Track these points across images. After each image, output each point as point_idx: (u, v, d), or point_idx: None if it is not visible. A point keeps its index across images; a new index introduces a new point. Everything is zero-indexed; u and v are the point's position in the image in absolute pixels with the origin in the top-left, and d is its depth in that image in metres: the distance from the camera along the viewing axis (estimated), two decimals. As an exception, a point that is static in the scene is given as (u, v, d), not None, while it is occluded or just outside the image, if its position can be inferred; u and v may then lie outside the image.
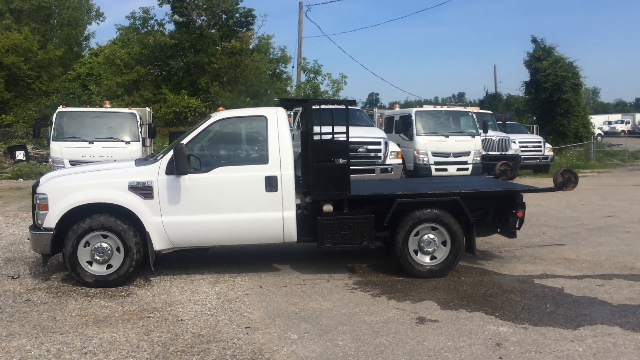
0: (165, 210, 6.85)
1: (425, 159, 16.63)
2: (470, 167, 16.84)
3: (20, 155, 22.61)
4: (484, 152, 17.76)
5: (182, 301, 6.29)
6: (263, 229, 6.97)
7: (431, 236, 7.09)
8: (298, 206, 7.14)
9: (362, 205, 7.23)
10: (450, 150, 16.71)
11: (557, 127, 36.22)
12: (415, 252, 7.12)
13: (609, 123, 72.10)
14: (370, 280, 7.06)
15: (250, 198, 6.90)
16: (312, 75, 32.62)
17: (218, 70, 31.00)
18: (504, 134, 21.02)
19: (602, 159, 34.04)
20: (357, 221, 6.99)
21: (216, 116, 7.18)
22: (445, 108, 17.87)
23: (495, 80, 50.35)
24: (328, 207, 7.05)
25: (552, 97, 37.44)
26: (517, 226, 7.25)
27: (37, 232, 6.86)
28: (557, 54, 37.95)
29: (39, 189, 6.96)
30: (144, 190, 6.83)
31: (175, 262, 7.75)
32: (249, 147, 7.55)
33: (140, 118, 15.82)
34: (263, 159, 7.00)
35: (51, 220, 6.77)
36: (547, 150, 24.57)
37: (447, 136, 16.85)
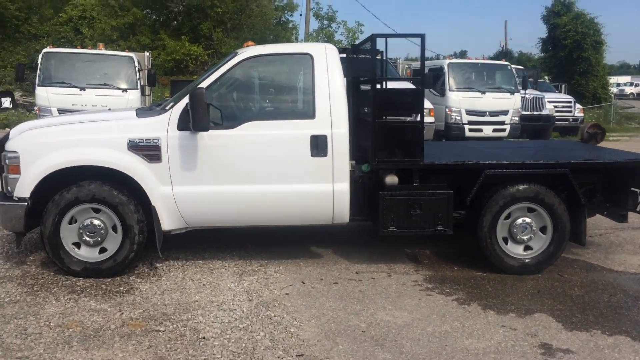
0: (177, 178, 5.10)
1: (459, 117, 14.80)
2: (507, 128, 15.06)
3: (6, 102, 20.49)
4: (519, 112, 15.97)
5: (201, 303, 4.62)
6: (306, 206, 5.24)
7: (527, 220, 5.38)
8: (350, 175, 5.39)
9: (434, 178, 5.49)
10: (487, 109, 14.87)
11: (575, 87, 34.40)
12: (505, 240, 5.43)
13: (617, 85, 70.05)
14: (445, 276, 5.38)
15: (289, 164, 5.15)
16: (325, 22, 30.29)
17: (222, 16, 28.64)
18: (538, 92, 19.14)
19: (620, 122, 32.38)
20: (431, 198, 5.26)
21: (244, 53, 5.33)
22: (481, 60, 15.93)
23: (505, 37, 47.83)
24: (392, 179, 5.31)
25: (571, 55, 35.63)
26: (637, 208, 5.54)
27: (6, 203, 5.11)
28: (577, 9, 35.96)
29: (8, 145, 5.17)
30: (148, 151, 5.06)
31: (187, 241, 6.04)
32: (288, 96, 5.73)
33: (138, 63, 13.89)
34: (308, 113, 5.22)
35: (25, 187, 5.01)
36: (578, 111, 22.75)
37: (483, 92, 14.97)
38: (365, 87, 5.65)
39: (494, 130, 14.91)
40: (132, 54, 14.18)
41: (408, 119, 5.57)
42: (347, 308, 4.60)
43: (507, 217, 5.40)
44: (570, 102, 22.49)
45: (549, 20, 37.29)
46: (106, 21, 28.99)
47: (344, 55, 5.96)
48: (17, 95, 22.71)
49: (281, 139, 5.14)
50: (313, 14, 29.99)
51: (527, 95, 18.23)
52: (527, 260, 5.42)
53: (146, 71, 14.60)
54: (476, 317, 4.46)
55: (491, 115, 14.90)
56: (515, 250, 5.44)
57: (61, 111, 12.10)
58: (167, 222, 5.16)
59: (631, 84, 69.54)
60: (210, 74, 5.31)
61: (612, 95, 40.13)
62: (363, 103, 5.81)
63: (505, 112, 15.02)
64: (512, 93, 15.22)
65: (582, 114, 23.19)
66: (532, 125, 17.87)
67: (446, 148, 6.38)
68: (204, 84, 5.12)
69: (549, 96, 21.58)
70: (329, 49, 5.38)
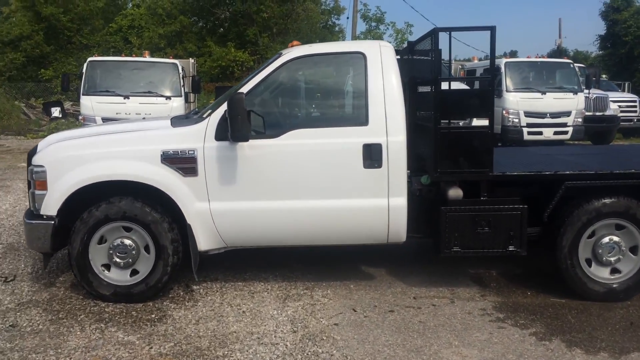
0: (214, 193, 4.59)
1: (516, 119, 13.89)
2: (570, 130, 14.05)
3: (56, 112, 20.90)
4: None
5: (239, 335, 4.09)
6: (358, 223, 4.65)
7: (615, 239, 4.63)
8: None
9: (503, 190, 4.81)
10: (547, 110, 13.90)
11: (637, 86, 32.66)
12: (588, 262, 4.69)
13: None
14: (518, 304, 4.68)
15: (339, 177, 4.57)
16: (373, 24, 29.65)
17: (267, 21, 28.42)
18: (602, 92, 17.95)
19: (686, 123, 30.43)
20: (502, 214, 4.58)
21: (290, 54, 4.79)
22: (540, 59, 14.98)
23: (560, 35, 45.89)
24: (457, 192, 4.65)
25: (632, 52, 34.06)
26: None
27: (32, 222, 4.72)
28: (638, 3, 34.31)
29: (35, 159, 4.79)
30: (184, 163, 4.58)
31: (226, 259, 5.52)
32: (338, 101, 5.15)
33: (182, 70, 13.65)
34: (360, 119, 4.62)
35: (51, 204, 4.61)
36: (643, 110, 21.32)
37: (543, 92, 14.01)
38: (424, 89, 5.02)
39: (555, 133, 13.94)
40: (176, 61, 13.96)
41: (473, 122, 4.92)
42: (407, 344, 3.97)
43: (590, 236, 4.66)
44: (635, 101, 21.08)
45: (608, 17, 35.93)
46: (154, 29, 29.21)
47: (399, 57, 5.35)
48: (67, 105, 23.07)
49: (330, 148, 4.57)
50: (360, 16, 29.45)
51: (589, 95, 17.11)
52: (614, 285, 4.66)
53: (190, 78, 14.35)
54: (561, 358, 3.76)
55: (552, 117, 13.93)
56: (601, 273, 4.69)
57: (105, 120, 11.94)
58: (204, 241, 4.67)
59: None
60: (251, 77, 4.79)
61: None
62: (421, 107, 5.18)
63: (568, 114, 14.01)
64: (575, 93, 14.20)
65: (647, 114, 21.76)
66: (595, 127, 16.74)
67: (509, 155, 5.65)
68: (244, 89, 4.61)
69: (612, 95, 20.29)
70: (384, 47, 4.78)
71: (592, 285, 4.65)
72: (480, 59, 19.09)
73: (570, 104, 14.05)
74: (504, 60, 14.62)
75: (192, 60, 16.89)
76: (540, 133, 13.90)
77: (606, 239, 4.63)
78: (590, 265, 4.69)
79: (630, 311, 4.51)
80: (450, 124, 4.59)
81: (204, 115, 4.75)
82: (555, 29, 78.46)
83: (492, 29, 4.43)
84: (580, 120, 14.22)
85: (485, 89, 4.43)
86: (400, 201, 4.58)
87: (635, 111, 20.92)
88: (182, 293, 4.93)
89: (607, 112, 17.49)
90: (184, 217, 4.58)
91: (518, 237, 4.60)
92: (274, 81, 4.83)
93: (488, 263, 5.57)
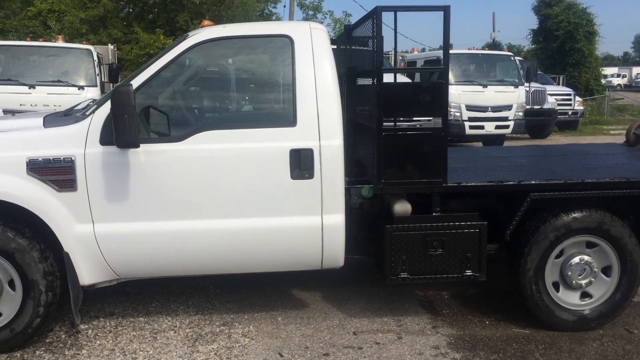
0: (100, 213, 3.58)
1: (458, 113, 13.33)
2: (511, 124, 13.65)
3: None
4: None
5: (131, 400, 3.14)
6: (285, 248, 3.76)
7: (586, 258, 3.95)
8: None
9: (458, 204, 4.05)
10: (489, 104, 13.43)
11: (568, 79, 33.41)
12: (556, 286, 4.00)
13: (605, 77, 69.26)
14: (476, 337, 3.93)
15: (260, 191, 3.65)
16: (310, 12, 28.72)
17: (199, 7, 26.88)
18: (540, 85, 17.80)
19: (613, 114, 31.32)
20: (458, 233, 3.81)
21: (198, 36, 3.80)
22: (481, 51, 14.51)
23: (494, 29, 46.62)
24: (404, 207, 3.84)
25: (563, 47, 34.82)
26: None
27: None
28: (569, -1, 35.15)
29: None
30: (58, 174, 3.54)
31: (129, 283, 4.50)
32: (259, 96, 4.22)
33: (99, 57, 12.30)
34: (286, 118, 3.73)
35: None
36: (577, 104, 21.47)
37: (484, 86, 13.53)
38: (364, 81, 4.17)
39: (497, 127, 13.50)
40: (90, 47, 12.57)
41: (418, 124, 4.13)
42: (345, 404, 3.13)
43: (558, 255, 3.97)
44: (570, 94, 21.20)
45: (540, 11, 36.57)
46: (75, 13, 27.16)
47: (334, 46, 4.49)
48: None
49: (248, 155, 3.64)
50: (297, 4, 28.44)
51: (528, 88, 16.89)
52: (585, 312, 4.00)
53: (108, 65, 13.00)
54: (537, 420, 3.02)
55: (493, 111, 13.47)
56: (570, 299, 4.01)
57: (7, 112, 10.51)
58: (88, 273, 3.65)
59: (618, 75, 68.93)
60: (149, 65, 3.78)
61: (607, 87, 39.30)
62: (360, 102, 4.34)
63: (509, 107, 13.60)
64: (516, 86, 13.81)
65: (582, 107, 21.99)
66: (534, 121, 16.55)
67: (458, 157, 4.88)
68: (137, 80, 3.61)
69: (548, 89, 20.30)
70: (315, 30, 3.88)
71: (560, 313, 3.96)
72: (421, 51, 18.57)
73: (512, 97, 13.66)
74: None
75: (112, 47, 15.50)
76: (482, 127, 13.43)
77: (576, 259, 3.95)
78: (557, 290, 4.00)
79: (605, 344, 3.85)
80: (396, 124, 3.75)
81: (87, 113, 3.72)
82: (488, 24, 79.94)
83: (445, 9, 3.61)
84: (521, 114, 13.87)
85: (437, 83, 3.62)
86: (336, 219, 3.73)
87: (570, 104, 21.05)
88: (63, 336, 3.90)
89: (545, 106, 17.34)
90: (60, 243, 3.55)
91: (476, 259, 3.85)
92: (177, 70, 3.88)
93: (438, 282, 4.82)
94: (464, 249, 3.82)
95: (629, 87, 58.36)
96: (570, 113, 20.88)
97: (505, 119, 13.58)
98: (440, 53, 14.07)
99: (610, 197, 3.91)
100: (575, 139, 17.82)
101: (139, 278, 3.88)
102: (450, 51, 14.21)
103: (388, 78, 3.77)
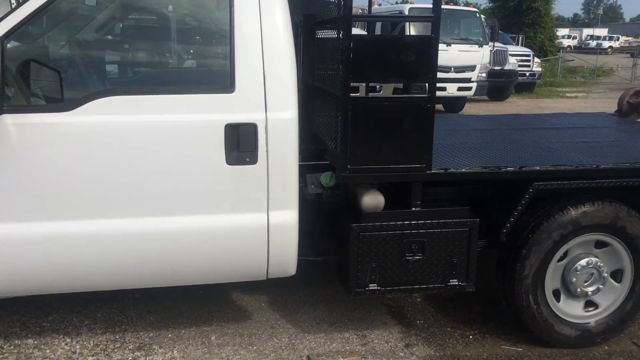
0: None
1: (418, 73, 12.47)
2: (474, 86, 12.95)
3: None
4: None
5: None
6: (219, 256, 2.82)
7: (594, 261, 3.21)
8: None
9: (440, 194, 3.20)
10: (452, 64, 12.59)
11: (525, 39, 33.13)
12: (556, 294, 3.25)
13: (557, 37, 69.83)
14: (457, 357, 3.17)
15: (184, 179, 2.68)
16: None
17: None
18: (502, 45, 17.09)
19: (565, 76, 31.32)
20: (443, 233, 2.98)
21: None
22: (446, 6, 13.57)
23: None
24: (375, 200, 2.96)
25: (521, 5, 34.39)
26: None
27: None
28: (529, -45, 34.61)
29: None
30: None
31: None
32: (182, 49, 3.20)
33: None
34: (220, 81, 2.74)
35: None
36: (536, 65, 20.99)
37: (448, 44, 12.65)
38: (326, 34, 3.22)
39: (459, 89, 12.76)
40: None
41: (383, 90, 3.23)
42: None
43: (561, 258, 3.21)
44: (529, 55, 20.63)
45: None
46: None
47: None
48: None
49: (166, 131, 2.65)
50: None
51: (491, 49, 16.17)
52: (589, 325, 3.28)
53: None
54: None
55: (456, 72, 12.68)
56: (572, 309, 3.28)
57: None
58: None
59: (569, 37, 69.57)
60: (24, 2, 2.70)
61: (561, 49, 39.36)
62: (321, 61, 3.38)
63: (472, 68, 12.87)
64: (481, 45, 13.05)
65: (540, 69, 21.58)
66: (495, 82, 15.89)
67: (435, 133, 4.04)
68: (8, 22, 2.54)
69: (509, 49, 19.68)
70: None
71: (560, 327, 3.23)
72: (380, 5, 17.49)
73: (475, 57, 12.90)
74: (408, 5, 13.05)
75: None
76: (444, 89, 12.62)
77: (583, 262, 3.20)
78: (558, 299, 3.26)
79: (614, 365, 3.16)
80: (368, 91, 2.85)
81: None
82: (444, -20, 78.66)
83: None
84: (484, 75, 13.17)
85: (426, 37, 2.69)
86: (286, 217, 2.81)
87: (529, 66, 20.53)
88: None
89: (506, 67, 16.70)
90: None
91: (464, 265, 3.04)
92: (74, 9, 2.82)
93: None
94: (449, 253, 3.00)
95: (578, 49, 58.99)
96: (528, 74, 20.36)
97: (469, 80, 12.86)
98: (404, 7, 13.14)
99: (629, 187, 3.15)
100: (534, 102, 17.38)
101: (6, 297, 2.90)
102: (412, 5, 13.34)
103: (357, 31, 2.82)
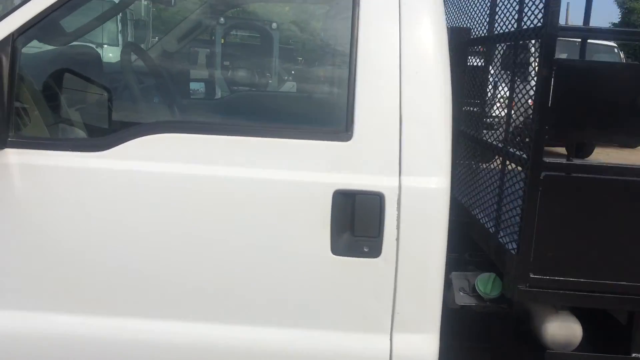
0: None
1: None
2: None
3: None
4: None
5: None
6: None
7: None
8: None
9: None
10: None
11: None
12: None
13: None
14: None
15: (264, 273, 1.68)
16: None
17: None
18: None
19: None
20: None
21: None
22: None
23: (566, 21, 43.11)
24: (568, 331, 1.79)
25: (647, 44, 31.76)
26: None
27: None
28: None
29: None
30: None
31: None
32: (273, 70, 2.26)
33: None
34: (330, 120, 1.76)
35: None
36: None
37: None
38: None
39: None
40: None
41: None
42: None
43: None
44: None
45: (624, 4, 34.05)
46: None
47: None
48: None
49: (238, 195, 1.67)
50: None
51: None
52: None
53: None
54: None
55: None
56: None
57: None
58: None
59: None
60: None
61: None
62: (472, 96, 2.30)
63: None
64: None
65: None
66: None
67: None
68: (18, 17, 1.68)
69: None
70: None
71: None
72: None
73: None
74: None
75: None
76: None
77: None
78: None
79: None
80: (570, 158, 1.74)
81: None
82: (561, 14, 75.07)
83: None
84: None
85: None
86: (421, 345, 1.73)
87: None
88: None
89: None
90: None
91: None
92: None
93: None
94: None
95: None
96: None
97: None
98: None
99: None
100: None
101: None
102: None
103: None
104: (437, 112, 1.70)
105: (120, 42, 9.70)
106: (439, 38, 1.73)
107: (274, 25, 2.36)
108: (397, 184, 1.65)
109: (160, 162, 1.65)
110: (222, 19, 2.11)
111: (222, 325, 1.72)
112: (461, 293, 1.96)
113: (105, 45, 9.35)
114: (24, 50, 1.71)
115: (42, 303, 1.71)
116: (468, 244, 2.10)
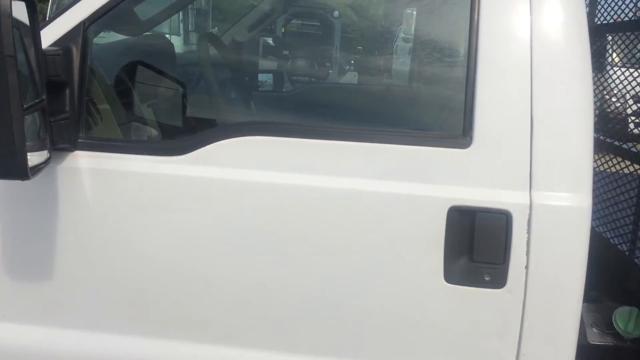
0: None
1: None
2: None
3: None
4: None
5: None
6: None
7: None
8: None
9: None
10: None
11: None
12: None
13: None
14: None
15: (358, 303, 1.44)
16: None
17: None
18: None
19: None
20: None
21: None
22: None
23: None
24: None
25: None
26: None
27: None
28: None
29: None
30: None
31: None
32: (380, 66, 2.05)
33: None
34: (444, 123, 1.50)
35: None
36: None
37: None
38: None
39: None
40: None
41: None
42: None
43: None
44: None
45: None
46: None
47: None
48: None
49: (339, 206, 1.42)
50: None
51: None
52: None
53: None
54: None
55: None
56: None
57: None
58: None
59: None
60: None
61: None
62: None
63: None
64: None
65: None
66: None
67: None
68: (89, 4, 1.49)
69: None
70: None
71: None
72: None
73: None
74: None
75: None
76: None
77: None
78: None
79: None
80: None
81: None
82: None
83: None
84: None
85: None
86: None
87: None
88: None
89: None
90: None
91: None
92: None
93: None
94: None
95: None
96: None
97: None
98: None
99: None
100: None
101: None
102: None
103: None
104: (577, 113, 1.40)
105: (182, 31, 9.64)
106: (579, 23, 1.43)
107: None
108: (527, 200, 1.37)
109: (248, 170, 1.43)
110: (335, 12, 1.88)
111: (312, 356, 1.49)
112: (594, 329, 1.66)
113: (167, 35, 9.28)
114: (95, 40, 1.52)
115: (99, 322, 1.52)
116: (592, 270, 1.80)
